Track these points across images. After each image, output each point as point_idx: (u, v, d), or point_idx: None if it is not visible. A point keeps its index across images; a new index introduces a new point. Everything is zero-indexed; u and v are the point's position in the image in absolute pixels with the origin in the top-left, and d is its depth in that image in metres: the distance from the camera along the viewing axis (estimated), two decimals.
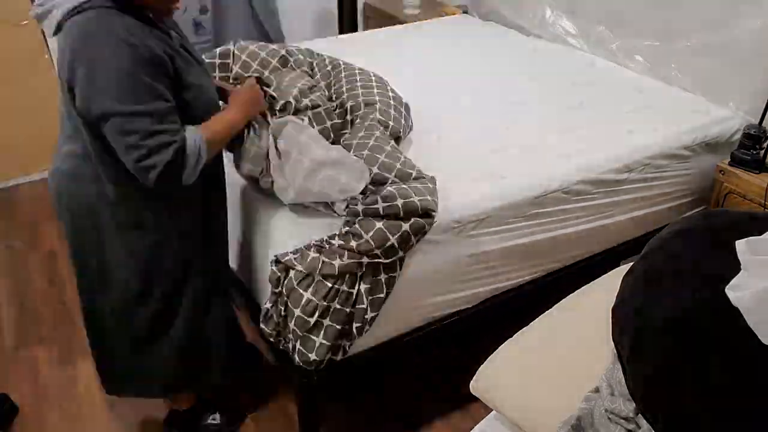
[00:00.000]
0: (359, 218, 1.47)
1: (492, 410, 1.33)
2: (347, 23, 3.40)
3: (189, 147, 1.29)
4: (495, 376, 1.27)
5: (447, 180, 1.64)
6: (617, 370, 1.08)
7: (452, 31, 2.85)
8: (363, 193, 1.51)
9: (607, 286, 1.42)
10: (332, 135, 1.73)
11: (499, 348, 1.34)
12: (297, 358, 1.50)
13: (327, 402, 1.95)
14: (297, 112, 1.67)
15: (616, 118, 2.07)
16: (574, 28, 2.71)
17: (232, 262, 1.78)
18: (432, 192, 1.55)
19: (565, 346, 1.28)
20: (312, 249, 1.44)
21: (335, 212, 1.54)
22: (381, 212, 1.45)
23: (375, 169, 1.54)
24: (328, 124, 1.73)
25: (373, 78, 1.91)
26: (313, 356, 1.48)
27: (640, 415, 0.99)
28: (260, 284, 1.65)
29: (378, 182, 1.54)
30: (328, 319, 1.45)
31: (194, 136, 1.32)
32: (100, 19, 1.23)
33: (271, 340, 1.55)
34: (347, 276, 1.44)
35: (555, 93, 2.26)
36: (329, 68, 1.97)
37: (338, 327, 1.46)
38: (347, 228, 1.47)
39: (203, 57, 1.70)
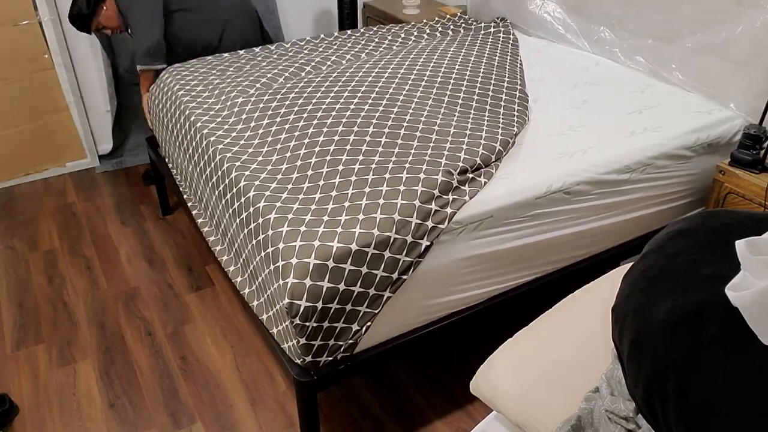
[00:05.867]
0: None
1: (492, 410, 1.33)
2: (347, 23, 3.40)
3: None
4: (495, 376, 1.27)
5: None
6: (617, 370, 1.08)
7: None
8: None
9: (607, 286, 1.42)
10: None
11: (499, 348, 1.34)
12: (297, 358, 1.50)
13: (327, 401, 1.96)
14: None
15: (618, 118, 2.07)
16: (576, 29, 2.71)
17: None
18: None
19: (565, 346, 1.28)
20: None
21: None
22: None
23: None
24: None
25: None
26: (317, 358, 1.48)
27: (640, 415, 1.00)
28: None
29: None
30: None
31: None
32: None
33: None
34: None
35: (557, 93, 2.26)
36: None
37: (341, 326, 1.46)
38: None
39: None
